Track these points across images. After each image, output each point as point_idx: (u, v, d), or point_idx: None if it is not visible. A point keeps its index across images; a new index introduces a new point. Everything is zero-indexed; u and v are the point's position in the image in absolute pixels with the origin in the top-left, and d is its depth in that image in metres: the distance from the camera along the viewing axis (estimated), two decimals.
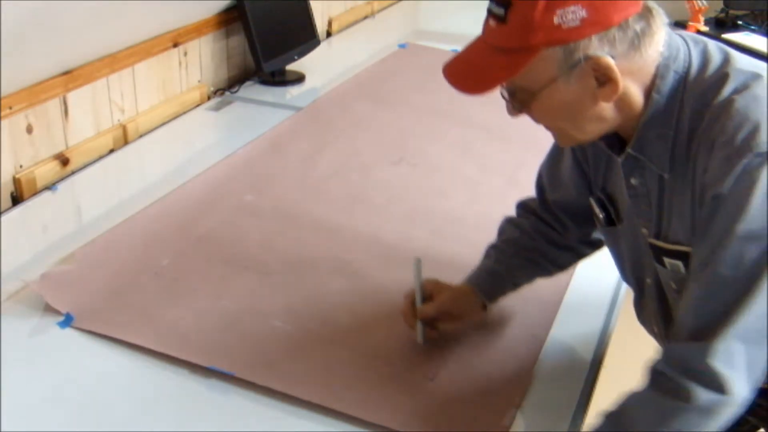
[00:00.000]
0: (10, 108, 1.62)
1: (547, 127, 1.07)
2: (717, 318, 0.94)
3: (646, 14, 0.97)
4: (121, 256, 1.49)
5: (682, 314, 1.00)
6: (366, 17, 3.12)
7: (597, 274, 1.47)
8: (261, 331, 1.32)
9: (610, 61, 0.95)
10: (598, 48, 0.94)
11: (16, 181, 1.68)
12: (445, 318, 1.29)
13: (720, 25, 3.13)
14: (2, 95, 1.59)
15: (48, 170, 1.75)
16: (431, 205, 1.75)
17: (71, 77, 1.77)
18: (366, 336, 1.32)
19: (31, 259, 1.48)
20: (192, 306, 1.37)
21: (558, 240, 1.31)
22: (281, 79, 2.40)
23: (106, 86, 1.90)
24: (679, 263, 1.06)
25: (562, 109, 1.00)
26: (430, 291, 1.29)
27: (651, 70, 0.99)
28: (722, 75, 0.98)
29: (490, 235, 1.37)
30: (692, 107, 0.99)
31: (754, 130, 0.92)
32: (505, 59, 0.97)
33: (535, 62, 0.95)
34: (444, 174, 1.90)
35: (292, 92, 2.37)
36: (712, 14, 3.14)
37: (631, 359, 1.39)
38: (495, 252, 1.33)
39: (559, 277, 1.48)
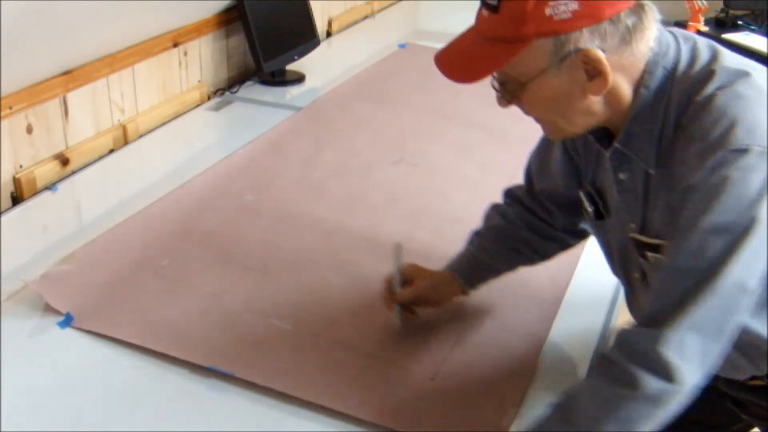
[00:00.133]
0: (10, 108, 1.62)
1: (537, 119, 1.07)
2: (672, 307, 0.94)
3: (638, 10, 0.97)
4: (121, 256, 1.49)
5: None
6: (366, 17, 3.12)
7: (597, 274, 1.46)
8: (261, 330, 1.32)
9: (601, 55, 0.95)
10: (589, 41, 0.94)
11: (16, 181, 1.68)
12: (424, 303, 1.31)
13: (720, 25, 3.13)
14: (2, 95, 1.59)
15: (48, 170, 1.75)
16: (431, 205, 1.75)
17: (71, 77, 1.77)
18: (366, 336, 1.32)
19: (31, 259, 1.48)
20: (192, 306, 1.37)
21: (542, 229, 1.31)
22: (281, 79, 2.40)
23: (106, 86, 1.90)
24: (662, 257, 1.06)
25: (551, 100, 1.01)
26: (410, 276, 1.31)
27: (641, 65, 1.00)
28: (708, 72, 0.99)
29: None
30: (677, 103, 0.99)
31: (730, 127, 0.93)
32: (496, 49, 0.97)
33: (525, 53, 0.96)
34: (444, 174, 1.90)
35: (292, 92, 2.37)
36: (712, 14, 3.14)
37: None
38: (478, 239, 1.34)
39: (559, 277, 1.49)
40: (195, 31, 2.16)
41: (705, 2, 3.03)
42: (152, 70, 2.04)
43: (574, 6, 0.92)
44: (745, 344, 1.07)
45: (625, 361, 0.96)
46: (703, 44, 1.03)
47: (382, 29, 3.05)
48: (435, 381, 1.23)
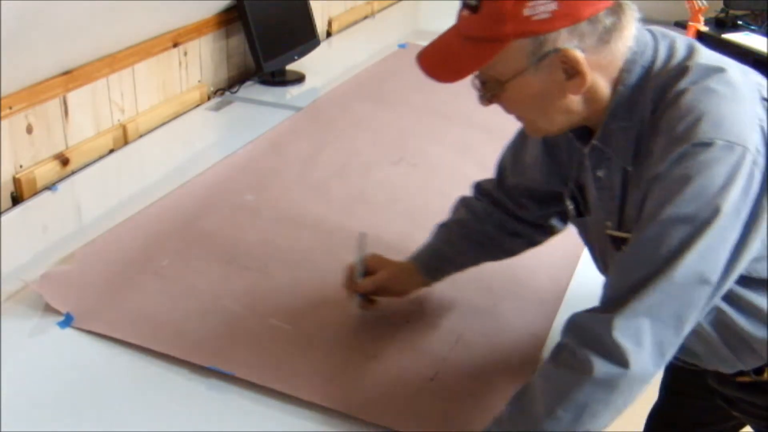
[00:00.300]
0: (10, 108, 1.62)
1: (518, 118, 1.09)
2: (628, 292, 0.95)
3: (617, 9, 0.98)
4: (121, 256, 1.49)
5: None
6: (366, 17, 3.12)
7: (597, 274, 1.46)
8: (261, 330, 1.32)
9: (579, 55, 0.96)
10: (567, 41, 0.95)
11: (16, 181, 1.68)
12: (386, 293, 1.33)
13: (720, 25, 3.13)
14: (2, 95, 1.59)
15: (48, 170, 1.75)
16: (431, 205, 1.75)
17: (71, 77, 1.77)
18: (366, 336, 1.32)
19: (31, 259, 1.48)
20: (192, 306, 1.37)
21: (509, 225, 1.31)
22: (281, 79, 2.40)
23: (106, 86, 1.90)
24: None
25: (530, 100, 1.02)
26: (372, 266, 1.32)
27: (619, 64, 1.01)
28: (683, 68, 0.99)
29: None
30: (652, 99, 1.00)
31: (696, 121, 0.94)
32: (475, 49, 0.98)
33: (504, 53, 0.96)
34: (444, 174, 1.90)
35: (292, 92, 2.37)
36: (712, 14, 3.14)
37: None
38: (443, 231, 1.35)
39: (559, 277, 1.49)
40: (195, 31, 2.16)
41: (705, 2, 3.03)
42: (152, 70, 2.04)
43: (553, 6, 0.93)
44: (730, 338, 1.08)
45: (577, 345, 0.97)
46: (681, 42, 1.04)
47: (382, 29, 3.06)
48: (435, 381, 1.23)
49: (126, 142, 1.97)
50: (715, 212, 0.91)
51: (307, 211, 1.70)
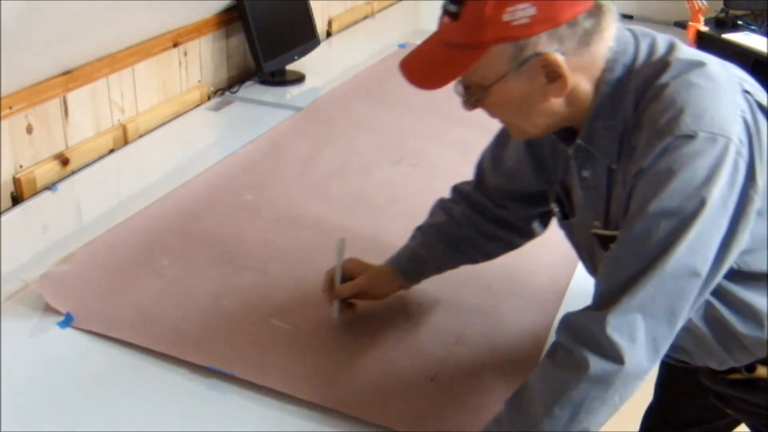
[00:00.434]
0: (10, 108, 1.62)
1: (502, 121, 1.10)
2: (619, 289, 0.95)
3: (596, 11, 0.98)
4: (121, 256, 1.49)
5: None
6: (366, 17, 3.12)
7: None
8: (261, 330, 1.32)
9: (559, 58, 0.96)
10: (547, 45, 0.96)
11: (16, 181, 1.68)
12: (365, 297, 1.33)
13: (720, 25, 3.13)
14: (2, 95, 1.59)
15: (48, 170, 1.75)
16: (431, 205, 1.75)
17: (71, 77, 1.77)
18: (365, 336, 1.32)
19: (31, 259, 1.48)
20: (192, 306, 1.37)
21: (486, 229, 1.32)
22: (281, 79, 2.40)
23: (106, 86, 1.90)
24: None
25: (513, 104, 1.02)
26: (351, 271, 1.33)
27: (601, 65, 1.01)
28: (664, 63, 1.00)
29: None
30: (634, 95, 1.00)
31: (678, 114, 0.94)
32: (457, 55, 0.99)
33: (485, 58, 0.97)
34: (444, 174, 1.89)
35: (292, 92, 2.37)
36: (712, 14, 3.14)
37: None
38: (420, 235, 1.35)
39: (559, 277, 1.49)
40: (195, 31, 2.16)
41: (705, 2, 3.02)
42: (152, 70, 2.04)
43: (532, 11, 0.94)
44: (721, 334, 1.08)
45: (572, 344, 0.97)
46: (662, 39, 1.04)
47: (382, 29, 3.06)
48: (435, 381, 1.23)
49: (126, 142, 1.97)
50: (701, 204, 0.92)
51: (307, 211, 1.70)
